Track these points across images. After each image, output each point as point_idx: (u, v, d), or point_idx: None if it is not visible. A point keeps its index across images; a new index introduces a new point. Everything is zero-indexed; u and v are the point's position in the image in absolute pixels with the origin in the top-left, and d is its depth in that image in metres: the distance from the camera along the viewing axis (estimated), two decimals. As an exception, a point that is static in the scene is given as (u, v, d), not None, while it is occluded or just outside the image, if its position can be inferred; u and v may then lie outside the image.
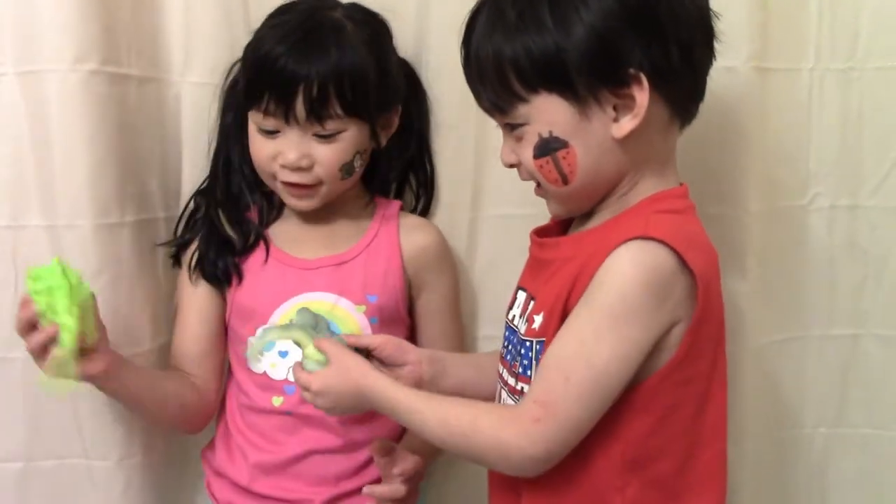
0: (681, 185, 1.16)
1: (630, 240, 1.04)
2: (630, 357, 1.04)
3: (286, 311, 1.35)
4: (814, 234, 1.52)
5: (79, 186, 1.34)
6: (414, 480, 1.30)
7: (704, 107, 1.17)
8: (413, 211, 1.47)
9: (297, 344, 1.21)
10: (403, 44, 1.43)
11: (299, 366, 1.20)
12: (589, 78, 1.06)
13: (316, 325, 1.22)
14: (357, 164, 1.35)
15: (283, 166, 1.32)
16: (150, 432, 1.44)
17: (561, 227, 1.23)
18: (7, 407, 1.40)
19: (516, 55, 1.07)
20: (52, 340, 1.19)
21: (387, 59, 1.36)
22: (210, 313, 1.40)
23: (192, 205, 1.43)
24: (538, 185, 1.16)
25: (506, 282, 1.47)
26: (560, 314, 1.08)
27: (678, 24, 1.08)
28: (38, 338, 1.20)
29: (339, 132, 1.31)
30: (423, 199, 1.47)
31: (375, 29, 1.37)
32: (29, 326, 1.21)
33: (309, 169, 1.32)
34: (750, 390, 1.49)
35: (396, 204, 1.44)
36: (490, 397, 1.23)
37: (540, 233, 1.22)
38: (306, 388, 1.17)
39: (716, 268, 1.10)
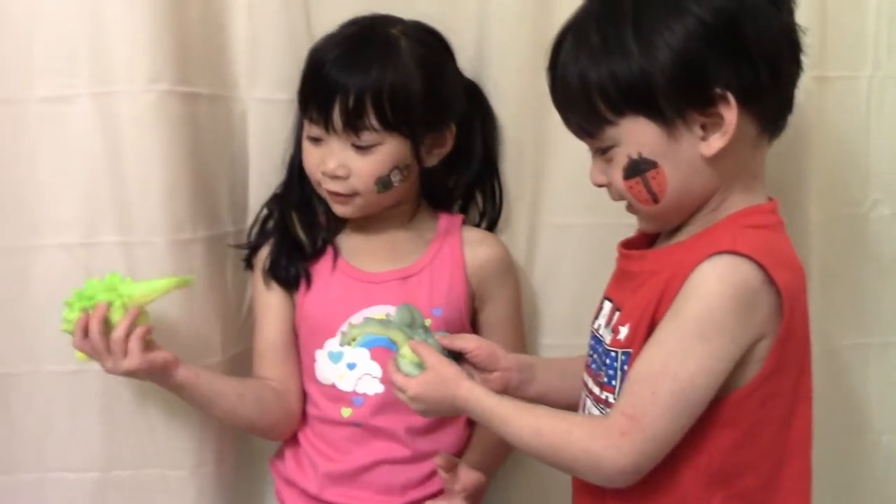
0: (770, 199, 1.15)
1: (717, 254, 1.05)
2: (716, 371, 1.05)
3: (353, 325, 1.38)
4: (875, 240, 1.52)
5: (153, 204, 1.38)
6: (475, 497, 1.32)
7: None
8: (478, 225, 1.49)
9: (393, 342, 1.22)
10: (463, 62, 1.45)
11: (395, 365, 1.21)
12: (675, 100, 1.07)
13: (412, 323, 1.22)
14: (395, 179, 1.36)
15: (324, 174, 1.35)
16: (221, 441, 1.48)
17: (648, 238, 1.23)
18: (84, 418, 1.44)
19: (602, 80, 1.08)
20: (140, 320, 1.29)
21: (439, 77, 1.38)
22: (284, 315, 1.43)
23: (265, 211, 1.46)
24: (629, 203, 1.16)
25: (564, 290, 1.51)
26: (647, 326, 1.09)
27: (762, 42, 1.07)
28: (124, 323, 1.27)
29: (375, 145, 1.33)
30: (488, 215, 1.49)
31: (432, 47, 1.39)
32: (102, 331, 1.28)
33: (346, 178, 1.34)
34: (814, 397, 1.49)
35: (459, 218, 1.46)
36: (572, 403, 1.25)
37: (627, 245, 1.23)
38: (402, 391, 1.19)
39: (802, 284, 1.11)
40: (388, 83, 1.31)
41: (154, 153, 1.37)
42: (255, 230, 1.47)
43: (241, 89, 1.47)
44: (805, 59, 1.26)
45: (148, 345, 1.29)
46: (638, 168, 1.10)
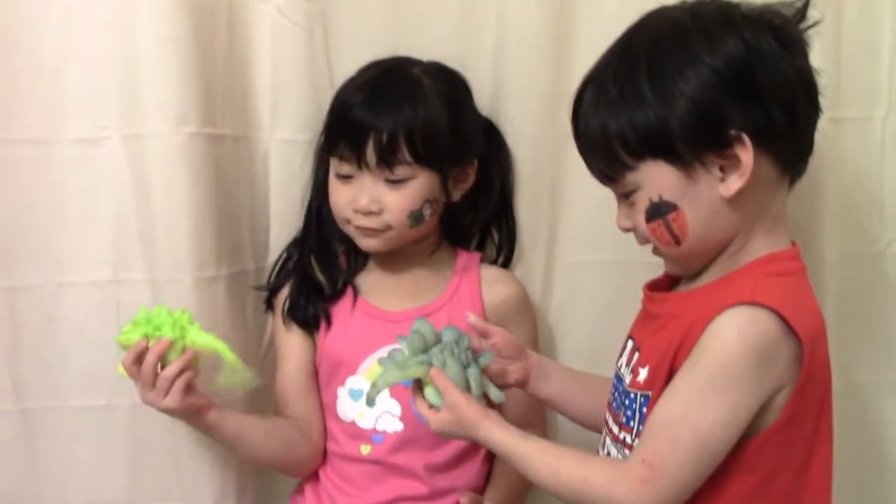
0: (793, 244, 1.16)
1: (736, 305, 1.06)
2: (735, 421, 1.06)
3: (373, 363, 1.39)
4: (890, 278, 1.53)
5: (180, 243, 1.41)
6: None
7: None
8: (494, 263, 1.51)
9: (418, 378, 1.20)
10: (480, 101, 1.47)
11: (419, 393, 1.20)
12: (692, 143, 1.08)
13: (426, 346, 1.20)
14: (426, 213, 1.39)
15: (356, 211, 1.37)
16: (243, 475, 1.49)
17: (672, 279, 1.24)
18: (111, 452, 1.47)
19: (621, 129, 1.11)
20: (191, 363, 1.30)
21: (462, 114, 1.41)
22: (305, 355, 1.45)
23: (285, 254, 1.49)
24: (654, 247, 1.18)
25: (580, 328, 1.53)
26: (666, 372, 1.10)
27: (776, 86, 1.09)
28: (178, 364, 1.28)
29: (408, 179, 1.36)
30: (504, 251, 1.51)
31: (453, 85, 1.42)
32: (156, 363, 1.29)
33: (379, 213, 1.36)
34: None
35: (477, 255, 1.48)
36: (583, 414, 1.28)
37: (652, 286, 1.24)
38: (425, 419, 1.20)
39: (823, 331, 1.11)
40: (419, 120, 1.34)
41: (181, 193, 1.41)
42: (274, 272, 1.49)
43: (265, 130, 1.50)
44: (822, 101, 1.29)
45: (188, 388, 1.31)
46: (659, 211, 1.12)
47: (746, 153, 1.08)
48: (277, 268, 1.49)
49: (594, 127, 1.13)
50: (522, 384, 1.28)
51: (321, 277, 1.45)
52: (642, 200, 1.13)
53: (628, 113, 1.10)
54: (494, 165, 1.48)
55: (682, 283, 1.23)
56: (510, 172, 1.50)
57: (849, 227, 1.50)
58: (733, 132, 1.08)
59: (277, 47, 1.47)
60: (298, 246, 1.48)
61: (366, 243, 1.41)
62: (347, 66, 1.43)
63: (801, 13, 1.14)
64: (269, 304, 1.49)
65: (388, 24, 1.49)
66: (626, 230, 1.18)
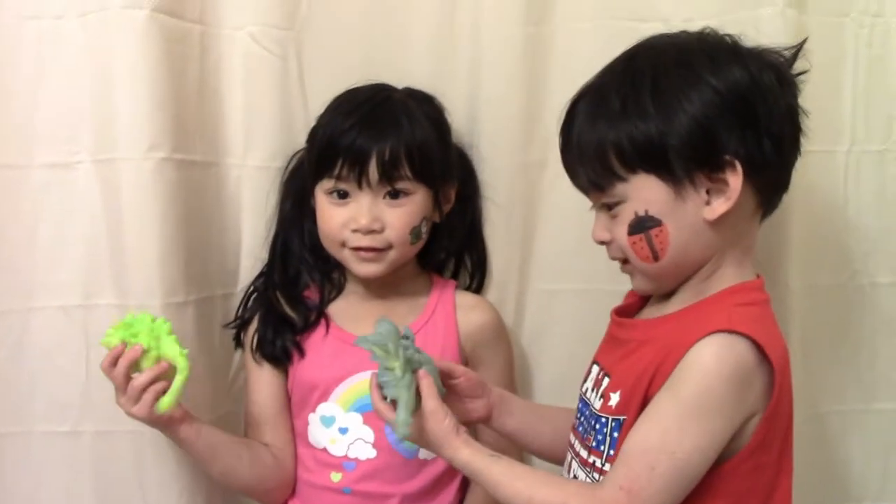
0: (758, 276, 1.19)
1: (714, 333, 1.08)
2: (711, 448, 1.08)
3: (346, 390, 1.40)
4: (854, 310, 1.55)
5: (150, 268, 1.40)
6: None
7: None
8: (467, 289, 1.52)
9: (388, 370, 1.16)
10: (455, 129, 1.48)
11: (380, 394, 1.18)
12: (687, 161, 1.11)
13: (395, 339, 1.17)
14: (424, 229, 1.40)
15: (356, 231, 1.37)
16: (211, 502, 1.48)
17: (639, 305, 1.27)
18: (76, 479, 1.45)
19: (619, 139, 1.13)
20: (163, 375, 1.28)
21: (446, 135, 1.44)
22: (276, 387, 1.44)
23: (251, 288, 1.48)
24: (624, 261, 1.19)
25: (553, 355, 1.54)
26: (641, 398, 1.11)
27: (771, 118, 1.13)
28: (148, 375, 1.28)
29: (408, 194, 1.37)
30: (476, 278, 1.52)
31: (435, 108, 1.45)
32: (128, 369, 1.29)
33: (380, 231, 1.37)
34: (796, 464, 1.52)
35: (452, 283, 1.49)
36: (546, 445, 1.29)
37: (619, 312, 1.26)
38: (391, 426, 1.18)
39: (787, 360, 1.14)
40: (416, 138, 1.36)
41: (151, 218, 1.40)
42: (240, 309, 1.48)
43: (237, 157, 1.50)
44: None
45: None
46: (643, 225, 1.14)
47: (736, 178, 1.11)
48: (244, 303, 1.48)
49: (590, 137, 1.15)
50: (485, 420, 1.28)
51: (289, 311, 1.44)
52: (627, 213, 1.15)
53: (629, 125, 1.12)
54: (466, 191, 1.49)
55: (647, 309, 1.25)
56: (479, 199, 1.51)
57: (813, 259, 1.53)
58: (727, 157, 1.11)
59: (250, 74, 1.48)
60: (263, 280, 1.48)
61: (365, 269, 1.40)
62: (321, 93, 1.44)
63: (793, 58, 1.20)
64: (239, 342, 1.49)
65: (361, 51, 1.50)
66: (601, 242, 1.20)
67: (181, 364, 1.29)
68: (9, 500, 1.46)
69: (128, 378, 1.28)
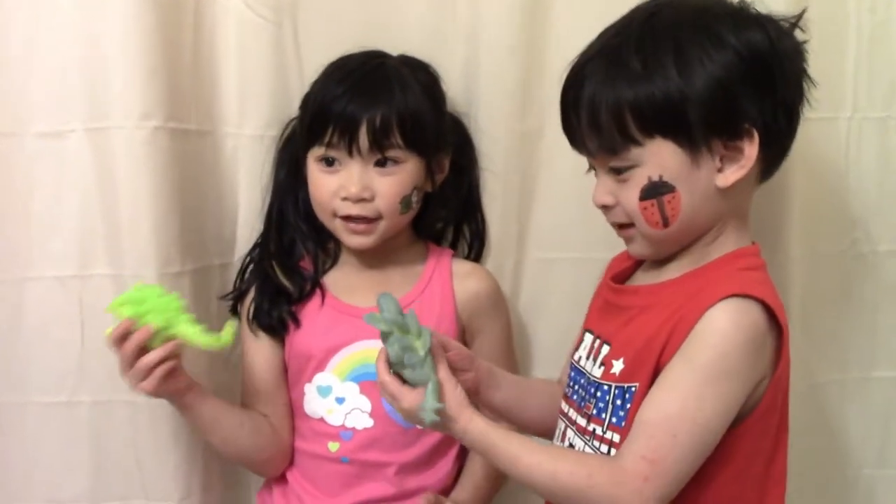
0: (753, 243, 1.19)
1: (727, 297, 1.07)
2: (728, 413, 1.08)
3: (342, 359, 1.39)
4: (855, 278, 1.55)
5: (144, 238, 1.40)
6: None
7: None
8: (466, 259, 1.50)
9: (406, 340, 1.13)
10: (449, 97, 1.47)
11: (386, 365, 1.15)
12: (707, 127, 1.10)
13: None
14: (414, 199, 1.39)
15: (346, 199, 1.36)
16: (208, 473, 1.48)
17: (633, 270, 1.26)
18: (73, 450, 1.45)
19: (639, 101, 1.11)
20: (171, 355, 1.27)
21: (440, 103, 1.43)
22: (273, 357, 1.44)
23: (247, 258, 1.47)
24: (624, 226, 1.18)
25: (550, 324, 1.53)
26: (653, 365, 1.10)
27: (787, 85, 1.13)
28: (158, 354, 1.26)
29: (399, 163, 1.36)
30: (475, 248, 1.51)
31: (430, 76, 1.43)
32: (137, 349, 1.27)
33: (371, 200, 1.36)
34: (793, 432, 1.50)
35: (448, 251, 1.48)
36: (534, 418, 1.28)
37: (615, 279, 1.25)
38: (392, 398, 1.15)
39: (787, 323, 1.14)
40: (408, 106, 1.35)
41: (146, 188, 1.39)
42: (238, 280, 1.47)
43: (232, 126, 1.48)
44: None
45: (169, 375, 1.28)
46: (656, 190, 1.13)
47: (752, 147, 1.11)
48: (240, 274, 1.48)
49: (605, 97, 1.12)
50: (472, 394, 1.24)
51: (284, 281, 1.43)
52: (640, 177, 1.13)
53: (649, 85, 1.11)
54: (463, 161, 1.48)
55: (641, 274, 1.24)
56: (476, 168, 1.50)
57: (814, 226, 1.52)
58: (746, 125, 1.10)
59: (245, 42, 1.46)
60: (259, 250, 1.47)
61: (355, 241, 1.39)
62: (317, 60, 1.43)
63: (795, 25, 1.19)
64: (235, 311, 1.48)
65: (357, 18, 1.48)
66: (603, 206, 1.18)
67: (205, 341, 1.28)
68: (5, 470, 1.46)
69: (136, 357, 1.27)
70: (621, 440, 1.12)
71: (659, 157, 1.12)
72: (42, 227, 1.42)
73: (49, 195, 1.42)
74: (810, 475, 1.55)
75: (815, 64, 1.44)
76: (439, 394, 1.11)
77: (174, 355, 1.28)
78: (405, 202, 1.38)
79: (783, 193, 1.47)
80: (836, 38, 1.49)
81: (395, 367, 1.14)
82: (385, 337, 1.14)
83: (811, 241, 1.52)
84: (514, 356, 1.49)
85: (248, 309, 1.44)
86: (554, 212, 1.51)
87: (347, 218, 1.37)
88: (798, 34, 1.19)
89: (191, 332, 1.28)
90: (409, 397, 1.13)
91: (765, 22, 1.14)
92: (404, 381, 1.14)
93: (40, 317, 1.44)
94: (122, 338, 1.27)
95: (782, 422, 1.16)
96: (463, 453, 1.44)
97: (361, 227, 1.37)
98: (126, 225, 1.40)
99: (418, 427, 1.37)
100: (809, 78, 1.19)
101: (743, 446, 1.11)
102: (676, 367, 1.09)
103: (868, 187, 1.53)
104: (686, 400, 1.07)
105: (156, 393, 1.29)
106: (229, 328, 1.28)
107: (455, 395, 1.13)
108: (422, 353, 1.12)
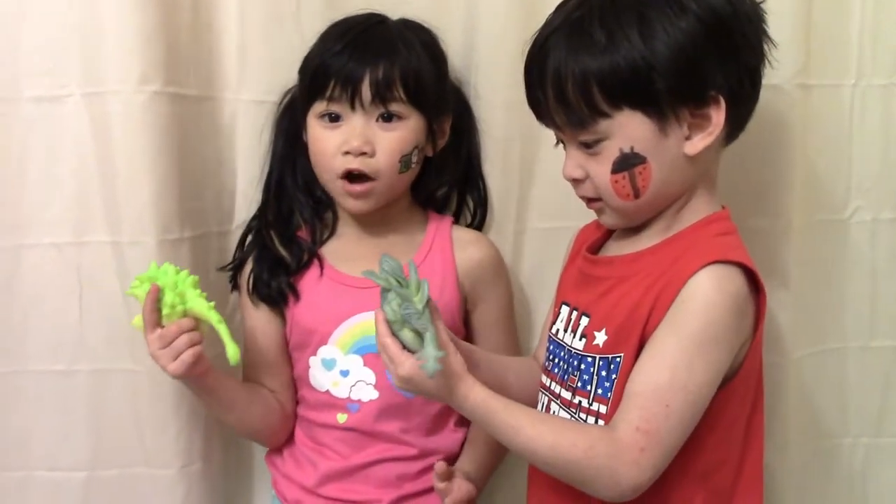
0: (723, 207, 1.20)
1: (710, 264, 1.08)
2: (717, 379, 1.09)
3: (345, 332, 1.39)
4: (855, 246, 1.54)
5: (143, 204, 1.39)
6: None
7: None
8: (468, 227, 1.49)
9: (405, 300, 1.12)
10: (451, 65, 1.45)
11: (387, 328, 1.13)
12: (674, 96, 1.10)
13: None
14: (414, 159, 1.38)
15: (347, 153, 1.34)
16: (209, 441, 1.48)
17: (605, 239, 1.26)
18: (71, 417, 1.45)
19: (603, 73, 1.10)
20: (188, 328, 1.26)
21: (442, 65, 1.42)
22: (274, 329, 1.43)
23: (246, 229, 1.46)
24: (593, 200, 1.18)
25: (550, 292, 1.51)
26: (639, 335, 1.11)
27: (750, 49, 1.13)
28: (175, 327, 1.26)
29: (402, 118, 1.35)
30: (478, 216, 1.50)
31: (431, 36, 1.42)
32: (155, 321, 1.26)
33: (371, 155, 1.35)
34: (792, 400, 1.52)
35: (449, 219, 1.47)
36: (511, 396, 1.23)
37: (590, 249, 1.25)
38: (392, 362, 1.13)
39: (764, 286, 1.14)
40: (411, 63, 1.35)
41: (143, 154, 1.38)
42: (237, 251, 1.47)
43: (231, 91, 1.47)
44: (789, 67, 1.30)
45: (197, 359, 1.28)
46: (628, 162, 1.13)
47: (719, 114, 1.11)
48: (240, 244, 1.47)
49: (571, 69, 1.12)
50: None
51: (282, 252, 1.42)
52: (611, 150, 1.13)
53: (615, 56, 1.10)
54: (462, 127, 1.47)
55: (613, 244, 1.24)
56: (476, 134, 1.49)
57: (816, 194, 1.51)
58: (713, 92, 1.10)
59: (245, 4, 1.44)
60: (257, 219, 1.46)
61: (354, 205, 1.38)
62: (318, 24, 1.41)
63: None
64: (235, 284, 1.47)
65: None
66: (574, 180, 1.18)
67: (214, 318, 1.27)
68: (4, 438, 1.46)
69: (155, 326, 1.26)
70: (608, 411, 1.13)
71: (628, 129, 1.12)
72: (38, 194, 1.41)
73: (45, 160, 1.40)
74: (809, 444, 1.56)
75: (819, 30, 1.46)
76: (439, 343, 1.10)
77: (197, 341, 1.27)
78: (405, 161, 1.37)
79: (785, 161, 1.47)
80: (841, 6, 1.48)
81: (395, 328, 1.13)
82: (384, 295, 1.13)
83: (812, 209, 1.51)
84: (514, 325, 1.49)
85: (248, 280, 1.43)
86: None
87: (348, 176, 1.36)
88: None
89: (204, 308, 1.27)
90: (407, 363, 1.12)
91: None
92: (404, 347, 1.13)
93: (37, 284, 1.43)
94: (153, 320, 1.26)
95: (759, 382, 1.18)
96: (464, 419, 1.43)
97: (358, 188, 1.36)
98: (124, 191, 1.39)
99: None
100: (770, 39, 1.18)
101: (726, 410, 1.12)
102: (664, 336, 1.09)
103: (871, 155, 1.52)
104: (676, 369, 1.07)
105: (184, 374, 1.28)
106: (234, 354, 1.27)
107: (456, 360, 1.13)
108: (419, 305, 1.11)
